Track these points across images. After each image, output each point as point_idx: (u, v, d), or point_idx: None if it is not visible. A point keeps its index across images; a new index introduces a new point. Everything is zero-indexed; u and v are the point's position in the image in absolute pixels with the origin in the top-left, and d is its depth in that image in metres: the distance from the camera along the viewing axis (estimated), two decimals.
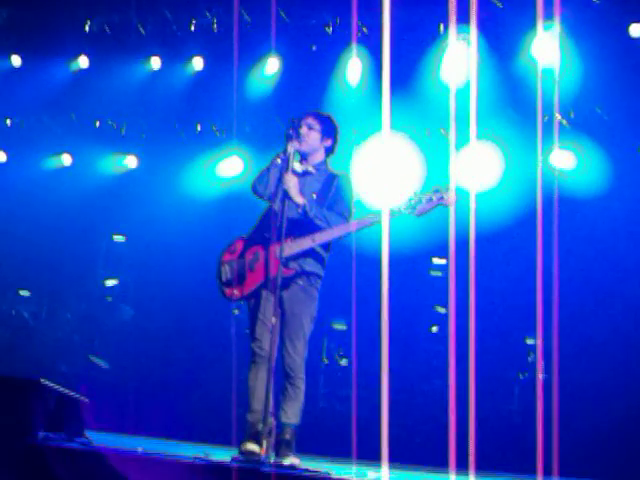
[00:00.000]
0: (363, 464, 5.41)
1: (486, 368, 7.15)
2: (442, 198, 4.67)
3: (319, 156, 4.98)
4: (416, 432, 7.00)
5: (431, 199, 4.68)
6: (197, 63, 8.56)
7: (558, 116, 7.52)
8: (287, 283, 4.70)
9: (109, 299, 8.88)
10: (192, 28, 8.33)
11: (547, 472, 5.38)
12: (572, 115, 7.67)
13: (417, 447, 6.80)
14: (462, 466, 5.16)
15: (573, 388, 6.84)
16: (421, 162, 7.90)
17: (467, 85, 7.31)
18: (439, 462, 5.55)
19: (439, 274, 7.69)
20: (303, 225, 4.74)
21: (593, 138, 7.65)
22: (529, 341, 7.35)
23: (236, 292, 4.82)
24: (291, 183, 4.69)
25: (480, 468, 5.85)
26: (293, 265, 4.72)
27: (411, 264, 7.73)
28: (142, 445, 4.73)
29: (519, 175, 7.70)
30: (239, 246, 4.92)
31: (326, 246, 4.86)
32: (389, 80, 6.09)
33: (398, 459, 5.91)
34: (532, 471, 5.52)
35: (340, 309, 7.62)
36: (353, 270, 5.40)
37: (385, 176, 7.54)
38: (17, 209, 8.88)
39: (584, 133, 7.67)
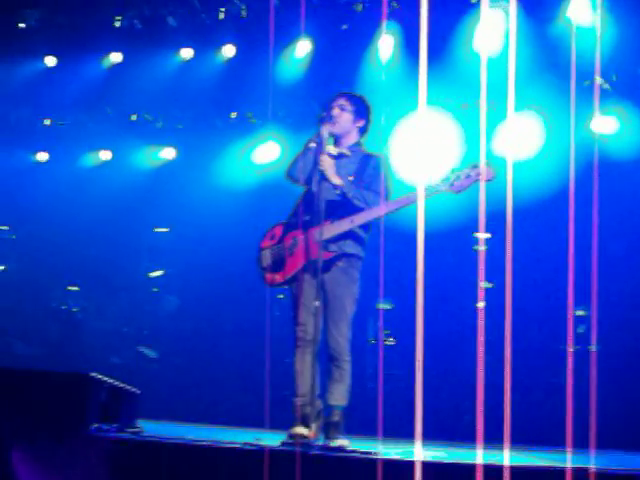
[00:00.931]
0: (411, 443, 5.39)
1: (530, 344, 7.12)
2: (480, 174, 4.60)
3: (353, 137, 4.94)
4: (464, 410, 6.97)
5: (469, 175, 4.62)
6: (229, 51, 8.57)
7: (599, 80, 7.33)
8: (328, 266, 4.69)
9: (155, 290, 9.00)
10: (221, 16, 8.35)
11: (587, 445, 5.32)
12: (615, 78, 7.47)
13: (467, 424, 6.77)
14: (515, 442, 5.13)
15: (616, 360, 6.77)
16: (459, 137, 7.79)
17: (502, 54, 7.19)
18: (490, 439, 5.50)
19: (483, 249, 7.60)
20: (341, 207, 4.73)
21: (635, 101, 7.45)
22: (578, 313, 7.25)
23: (277, 277, 4.84)
24: (327, 164, 4.67)
25: (530, 442, 5.82)
26: (333, 248, 4.71)
27: (451, 240, 7.65)
28: (192, 433, 4.79)
29: (561, 142, 7.55)
30: (278, 232, 4.93)
31: (366, 227, 4.83)
32: (426, 53, 6.00)
33: (448, 436, 5.90)
34: (582, 445, 5.47)
35: (385, 289, 7.59)
36: (381, 249, 5.36)
37: (423, 153, 7.46)
38: (61, 207, 9.03)
39: (626, 96, 7.47)
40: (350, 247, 4.76)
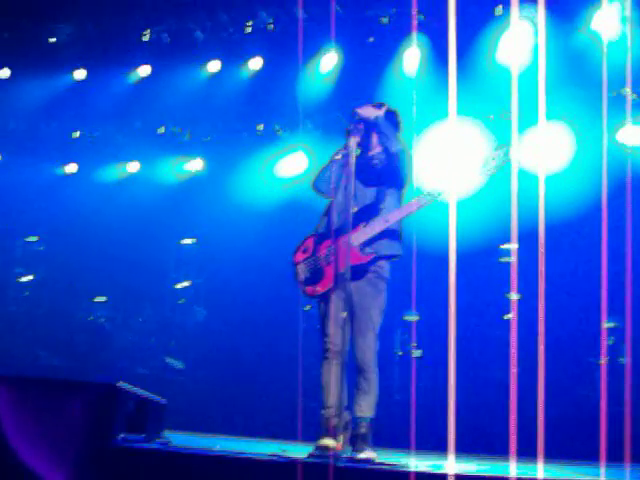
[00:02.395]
0: (439, 455, 5.34)
1: (563, 354, 7.03)
2: (508, 154, 4.70)
3: (379, 148, 4.94)
4: (494, 422, 6.89)
5: (499, 157, 4.70)
6: (256, 64, 8.62)
7: (628, 90, 7.27)
8: (361, 273, 4.68)
9: (182, 301, 9.03)
10: (248, 30, 8.41)
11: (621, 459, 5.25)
12: None
13: (495, 437, 6.69)
14: (548, 455, 5.07)
15: None
16: (486, 145, 7.72)
17: (528, 66, 7.17)
18: (520, 452, 5.45)
19: (510, 260, 7.54)
20: (373, 211, 4.75)
21: None
22: (607, 325, 7.16)
23: (318, 288, 4.80)
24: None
25: (562, 457, 5.73)
26: (369, 250, 4.72)
27: (481, 252, 7.60)
28: (219, 444, 4.78)
29: (590, 155, 7.48)
30: (310, 244, 4.92)
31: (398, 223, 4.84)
32: (454, 65, 5.99)
33: (477, 449, 5.83)
34: (613, 458, 5.39)
35: (413, 300, 7.56)
36: (413, 261, 5.34)
37: (451, 162, 7.41)
38: (89, 219, 9.10)
39: None
40: (386, 248, 4.76)
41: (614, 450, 5.35)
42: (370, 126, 4.79)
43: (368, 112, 4.76)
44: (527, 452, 5.06)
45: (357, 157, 4.87)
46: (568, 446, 6.34)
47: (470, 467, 4.48)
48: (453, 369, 5.28)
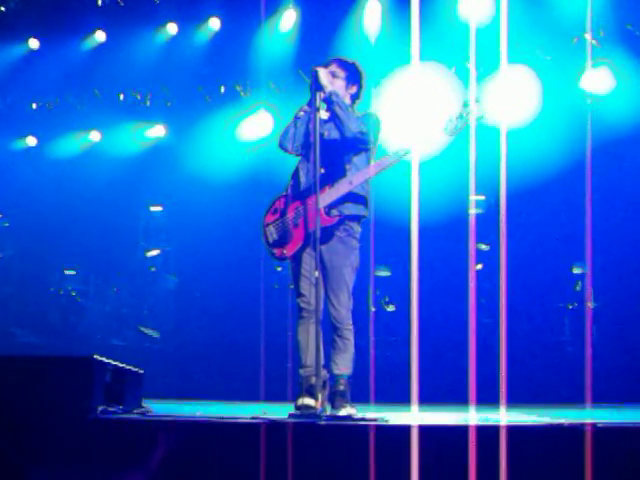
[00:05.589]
0: (421, 407, 5.42)
1: (534, 300, 7.14)
2: (472, 112, 4.65)
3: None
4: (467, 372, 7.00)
5: (462, 116, 4.66)
6: (214, 24, 8.46)
7: (589, 37, 7.27)
8: (328, 234, 4.66)
9: (153, 269, 8.98)
10: None
11: (593, 400, 5.40)
12: (602, 34, 7.40)
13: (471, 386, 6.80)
14: (514, 400, 5.18)
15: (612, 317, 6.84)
16: (453, 95, 7.66)
17: (490, 17, 7.14)
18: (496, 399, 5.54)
19: (480, 212, 7.58)
20: (339, 172, 4.69)
21: (627, 56, 7.39)
22: (576, 270, 7.28)
23: (285, 251, 4.78)
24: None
25: (534, 400, 5.85)
26: (334, 212, 4.69)
27: (450, 205, 7.62)
28: (199, 409, 4.79)
29: (557, 104, 7.49)
30: (280, 204, 4.87)
31: (364, 184, 4.79)
32: (417, 14, 5.91)
33: (455, 399, 5.92)
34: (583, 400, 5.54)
35: (383, 257, 7.58)
36: (372, 223, 5.31)
37: (415, 111, 7.33)
38: (53, 191, 8.96)
39: (616, 52, 7.41)
40: (350, 209, 4.74)
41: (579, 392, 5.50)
42: (325, 100, 4.70)
43: (325, 80, 4.64)
44: (514, 398, 5.17)
45: (329, 117, 4.80)
46: (548, 391, 6.48)
47: (446, 417, 4.53)
48: (416, 321, 5.34)
